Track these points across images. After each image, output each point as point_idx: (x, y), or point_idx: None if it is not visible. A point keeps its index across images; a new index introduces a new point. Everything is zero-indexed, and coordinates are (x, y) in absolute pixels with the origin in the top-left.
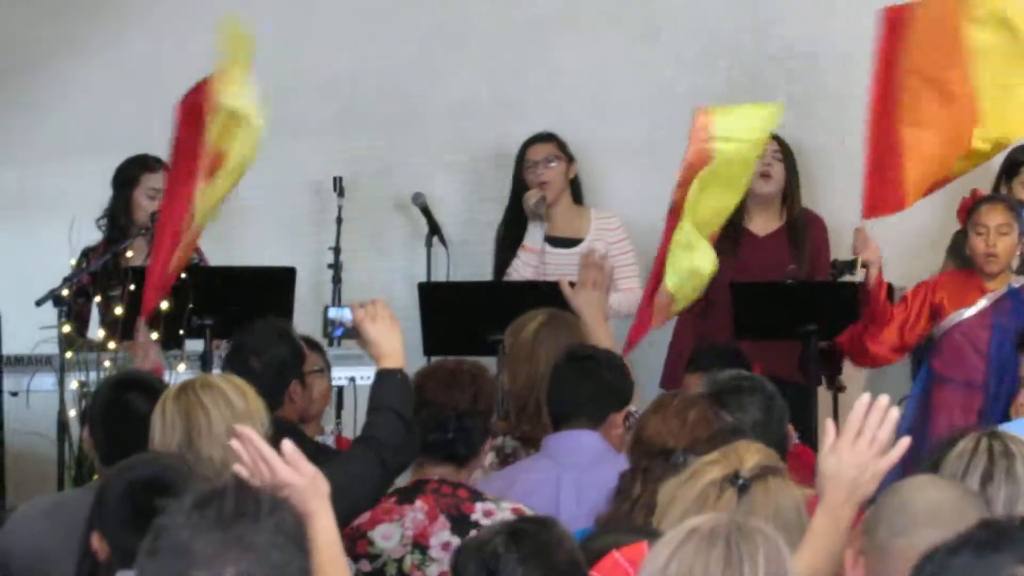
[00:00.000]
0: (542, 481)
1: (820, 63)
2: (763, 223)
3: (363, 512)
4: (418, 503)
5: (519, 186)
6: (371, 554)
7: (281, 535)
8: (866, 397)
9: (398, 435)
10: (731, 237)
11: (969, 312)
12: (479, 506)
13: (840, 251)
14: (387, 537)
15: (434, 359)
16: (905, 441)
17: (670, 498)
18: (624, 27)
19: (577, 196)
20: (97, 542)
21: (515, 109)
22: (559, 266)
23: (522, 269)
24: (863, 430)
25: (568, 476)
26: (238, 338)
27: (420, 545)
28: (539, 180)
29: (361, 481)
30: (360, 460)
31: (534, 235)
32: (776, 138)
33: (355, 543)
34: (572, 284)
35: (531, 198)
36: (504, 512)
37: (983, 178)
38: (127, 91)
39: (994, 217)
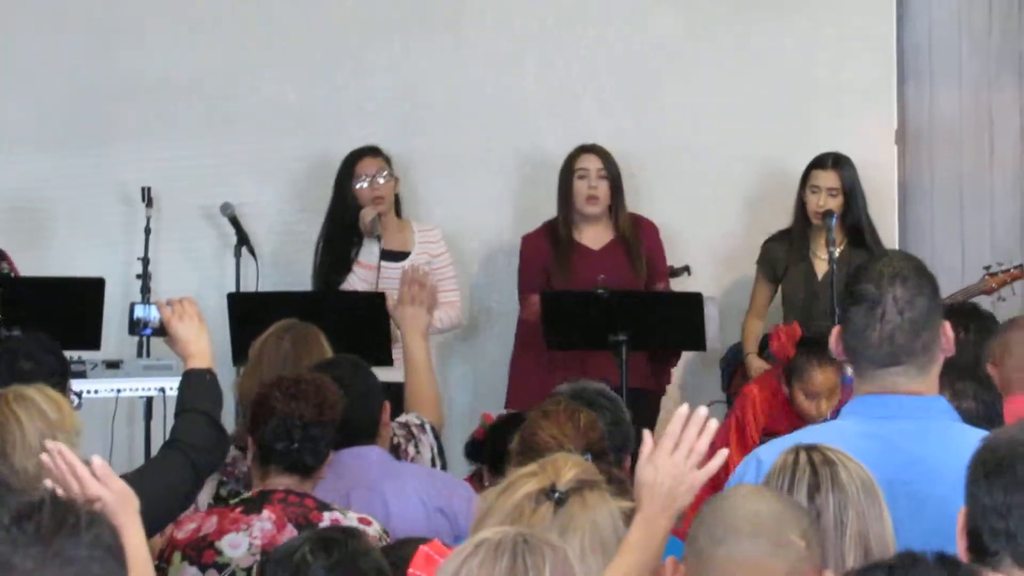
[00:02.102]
0: (331, 500)
1: (630, 62)
2: (594, 236)
3: (175, 517)
4: (265, 512)
5: (343, 200)
6: (219, 563)
7: (99, 548)
8: (684, 408)
9: (207, 437)
10: (565, 253)
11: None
12: (327, 515)
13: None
14: (235, 546)
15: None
16: (723, 453)
17: (487, 508)
18: (430, 27)
19: (398, 210)
20: None
21: (325, 114)
22: (391, 279)
23: (357, 284)
24: (681, 441)
25: (357, 493)
26: (4, 344)
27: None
28: (374, 195)
29: (172, 486)
30: (170, 465)
31: (369, 251)
32: (600, 155)
33: (202, 553)
34: None
35: (367, 216)
36: (351, 521)
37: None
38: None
39: (826, 380)
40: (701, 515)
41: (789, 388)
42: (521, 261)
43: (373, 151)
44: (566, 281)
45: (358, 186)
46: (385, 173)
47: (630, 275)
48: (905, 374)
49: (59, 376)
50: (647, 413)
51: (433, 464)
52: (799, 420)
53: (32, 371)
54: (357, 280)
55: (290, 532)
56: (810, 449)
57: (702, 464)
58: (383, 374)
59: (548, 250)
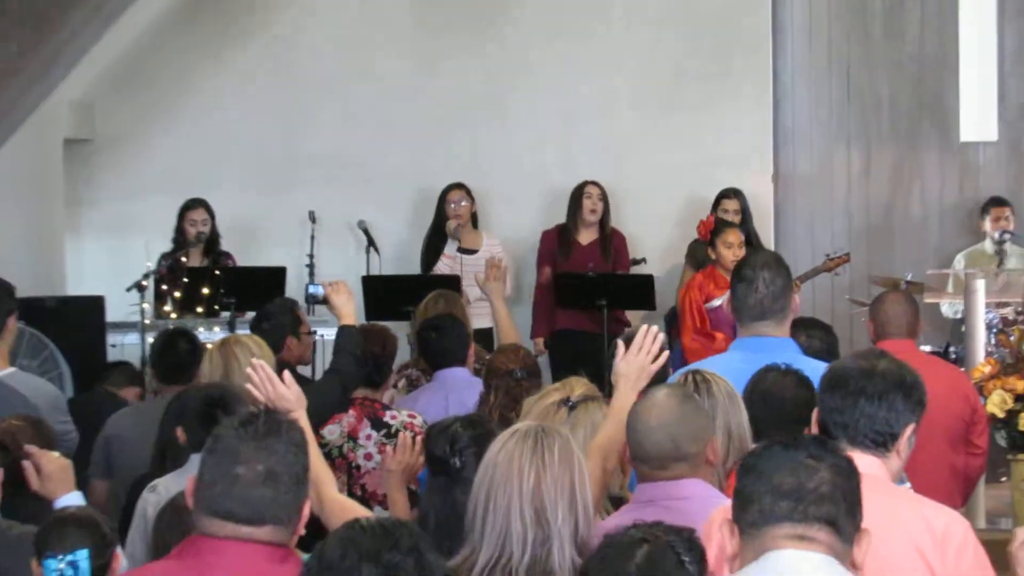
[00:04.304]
0: (436, 398)
1: (609, 136)
2: (586, 236)
3: (328, 418)
4: (351, 412)
5: (440, 216)
6: (321, 443)
7: (293, 445)
8: (645, 326)
9: (352, 367)
10: (566, 245)
11: (719, 300)
12: (388, 413)
13: (633, 247)
14: (331, 433)
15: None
16: (666, 354)
17: (528, 409)
18: (487, 117)
19: (474, 223)
20: (180, 433)
21: (420, 170)
22: (466, 266)
23: (442, 267)
24: (643, 346)
25: (452, 395)
26: (260, 310)
27: (352, 437)
28: (455, 213)
29: (331, 397)
30: (328, 384)
31: (451, 247)
32: (600, 187)
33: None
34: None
35: (450, 227)
36: (403, 416)
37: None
38: (188, 151)
39: (734, 235)
40: (635, 408)
41: (715, 248)
42: (540, 246)
43: (459, 185)
44: (565, 261)
45: (450, 207)
46: (465, 201)
47: (603, 262)
48: (769, 325)
49: (292, 326)
50: (594, 347)
51: None
52: (724, 281)
53: (269, 329)
54: (443, 264)
55: (365, 423)
56: (695, 372)
57: (654, 360)
58: (478, 322)
59: (556, 241)
